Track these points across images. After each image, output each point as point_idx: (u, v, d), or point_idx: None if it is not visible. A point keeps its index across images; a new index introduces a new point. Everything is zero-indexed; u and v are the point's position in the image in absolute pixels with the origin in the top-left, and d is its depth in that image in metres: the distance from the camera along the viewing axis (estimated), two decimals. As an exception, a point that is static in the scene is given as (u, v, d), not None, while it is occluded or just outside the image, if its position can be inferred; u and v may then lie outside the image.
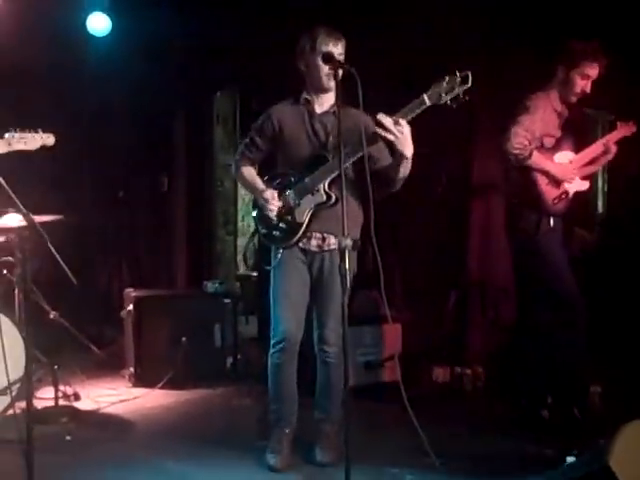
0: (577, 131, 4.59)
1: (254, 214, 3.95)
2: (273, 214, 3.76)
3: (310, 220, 3.71)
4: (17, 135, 3.46)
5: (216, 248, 7.72)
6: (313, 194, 3.68)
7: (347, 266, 3.10)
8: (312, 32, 3.71)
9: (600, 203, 6.00)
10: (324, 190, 3.66)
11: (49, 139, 3.56)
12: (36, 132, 3.53)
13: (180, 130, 7.57)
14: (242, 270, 7.80)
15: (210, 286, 5.79)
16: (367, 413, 4.55)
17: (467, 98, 3.30)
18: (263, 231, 3.88)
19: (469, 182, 5.70)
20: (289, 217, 3.75)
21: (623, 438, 2.79)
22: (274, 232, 3.81)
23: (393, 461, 3.85)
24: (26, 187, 3.81)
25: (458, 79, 3.29)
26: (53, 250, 3.07)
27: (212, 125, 7.87)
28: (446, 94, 3.30)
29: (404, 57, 5.65)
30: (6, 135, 3.46)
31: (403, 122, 3.39)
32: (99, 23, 6.36)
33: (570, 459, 3.32)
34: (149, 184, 7.51)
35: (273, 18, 6.17)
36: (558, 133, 4.46)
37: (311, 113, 3.78)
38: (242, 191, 8.03)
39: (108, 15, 6.35)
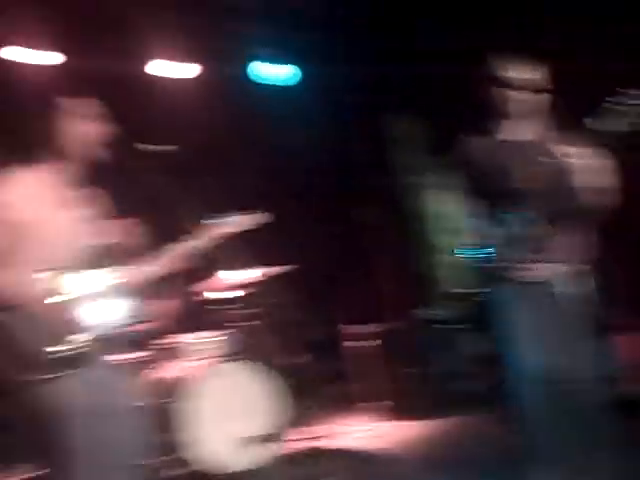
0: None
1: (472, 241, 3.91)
2: None
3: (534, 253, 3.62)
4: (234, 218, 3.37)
5: (425, 271, 7.70)
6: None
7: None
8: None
9: None
10: (543, 224, 3.56)
11: (263, 217, 3.51)
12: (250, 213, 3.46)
13: (369, 159, 7.73)
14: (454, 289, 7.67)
15: (431, 313, 5.80)
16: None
17: None
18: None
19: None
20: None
21: None
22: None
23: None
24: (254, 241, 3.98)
25: None
26: (292, 314, 3.12)
27: (393, 150, 7.96)
28: None
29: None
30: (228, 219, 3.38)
31: None
32: (273, 73, 6.56)
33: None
34: (348, 218, 7.66)
35: (449, 39, 6.23)
36: None
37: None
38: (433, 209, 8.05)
39: (280, 64, 6.55)
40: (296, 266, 5.04)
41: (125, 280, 3.05)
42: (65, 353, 2.88)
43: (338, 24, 6.53)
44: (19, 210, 2.85)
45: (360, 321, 6.46)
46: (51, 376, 2.84)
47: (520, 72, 3.55)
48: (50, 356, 2.85)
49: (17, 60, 5.51)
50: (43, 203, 2.94)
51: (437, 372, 5.57)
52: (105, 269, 3.02)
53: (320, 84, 6.93)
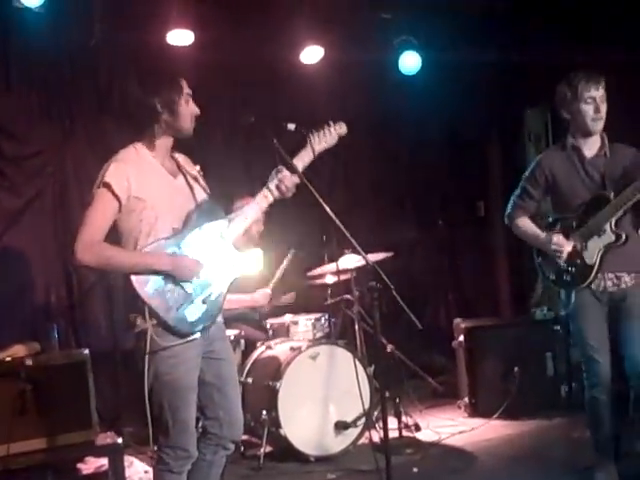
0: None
1: (538, 261, 4.02)
2: (563, 260, 3.80)
3: (601, 261, 3.74)
4: (316, 136, 3.28)
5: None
6: (600, 235, 3.74)
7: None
8: (571, 80, 3.78)
9: None
10: (611, 230, 3.72)
11: (342, 128, 3.48)
12: (328, 125, 3.43)
13: (493, 152, 7.62)
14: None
15: (538, 313, 5.71)
16: None
17: None
18: (552, 277, 3.93)
19: None
20: (578, 260, 3.78)
21: None
22: (564, 277, 3.85)
23: None
24: (355, 224, 4.05)
25: None
26: (399, 298, 3.19)
27: (524, 144, 7.76)
28: None
29: None
30: (308, 141, 3.27)
31: None
32: (410, 62, 6.57)
33: None
34: (466, 210, 7.62)
35: (578, 31, 6.05)
36: None
37: (581, 158, 3.81)
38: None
39: (418, 53, 6.55)
40: (393, 254, 5.10)
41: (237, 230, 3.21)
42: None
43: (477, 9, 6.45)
44: (135, 187, 3.04)
45: (472, 315, 6.40)
46: (170, 344, 3.00)
47: (596, 90, 3.70)
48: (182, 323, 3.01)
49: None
50: (154, 176, 3.13)
51: (538, 373, 5.44)
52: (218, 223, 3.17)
53: (451, 73, 6.86)
